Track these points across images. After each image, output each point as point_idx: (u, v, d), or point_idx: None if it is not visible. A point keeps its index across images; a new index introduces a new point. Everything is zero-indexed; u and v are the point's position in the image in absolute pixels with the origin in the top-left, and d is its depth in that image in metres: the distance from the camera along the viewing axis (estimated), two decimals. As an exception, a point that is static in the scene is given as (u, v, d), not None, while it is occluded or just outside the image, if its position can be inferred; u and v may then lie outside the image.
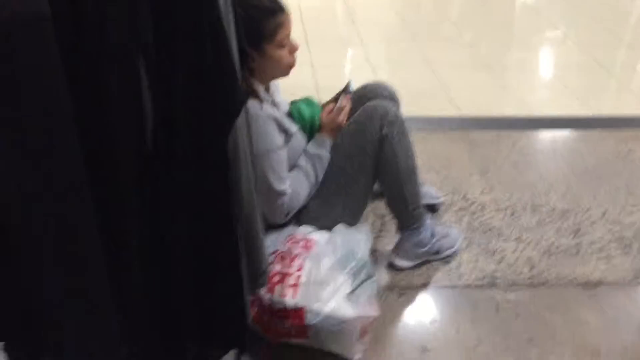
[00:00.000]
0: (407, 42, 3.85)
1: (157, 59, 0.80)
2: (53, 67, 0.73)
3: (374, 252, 1.98)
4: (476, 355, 1.67)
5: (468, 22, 4.35)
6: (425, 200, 2.17)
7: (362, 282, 1.62)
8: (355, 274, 1.61)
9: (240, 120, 1.02)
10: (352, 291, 1.60)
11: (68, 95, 0.74)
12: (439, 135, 2.75)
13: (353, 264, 1.61)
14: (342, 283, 1.58)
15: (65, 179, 0.77)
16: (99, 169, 0.79)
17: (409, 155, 1.79)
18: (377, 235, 2.08)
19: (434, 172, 2.46)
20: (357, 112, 1.80)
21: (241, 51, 1.19)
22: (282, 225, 1.77)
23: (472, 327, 1.74)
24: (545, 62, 3.83)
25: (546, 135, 2.81)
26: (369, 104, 1.79)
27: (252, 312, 1.60)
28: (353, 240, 1.67)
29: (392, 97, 1.97)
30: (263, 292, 1.58)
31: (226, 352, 1.19)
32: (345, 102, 1.82)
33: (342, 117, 1.81)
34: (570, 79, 3.44)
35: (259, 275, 1.18)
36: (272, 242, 1.70)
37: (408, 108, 2.93)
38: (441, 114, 2.95)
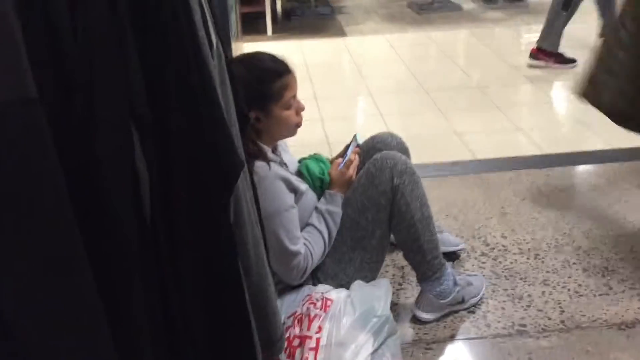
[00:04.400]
0: (416, 92, 3.85)
1: (152, 129, 0.79)
2: (45, 148, 0.72)
3: (395, 306, 1.93)
4: (511, 409, 1.59)
5: (476, 66, 4.36)
6: (445, 248, 2.12)
7: (384, 340, 1.57)
8: (376, 332, 1.55)
9: (242, 185, 1.00)
10: (375, 350, 1.54)
11: (62, 175, 0.73)
12: (454, 181, 2.71)
13: (374, 321, 1.56)
14: (364, 342, 1.53)
15: (64, 265, 0.74)
16: (97, 248, 0.77)
17: (423, 204, 1.75)
18: (398, 288, 2.02)
19: (451, 218, 2.42)
20: (367, 164, 1.78)
21: (241, 114, 1.19)
22: (299, 286, 1.73)
23: (505, 379, 1.67)
24: (557, 99, 3.80)
25: (564, 172, 2.76)
26: (378, 155, 1.77)
27: (273, 379, 1.54)
28: (372, 297, 1.62)
29: (401, 147, 1.95)
30: (283, 357, 1.53)
31: None
32: (353, 156, 1.81)
33: (352, 171, 1.79)
34: (584, 114, 3.39)
35: (274, 342, 1.14)
36: (289, 304, 1.66)
37: (421, 155, 2.92)
38: (455, 159, 2.92)
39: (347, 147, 1.86)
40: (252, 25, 5.28)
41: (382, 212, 1.73)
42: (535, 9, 5.85)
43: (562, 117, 3.51)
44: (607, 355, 1.72)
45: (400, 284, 2.04)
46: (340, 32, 5.30)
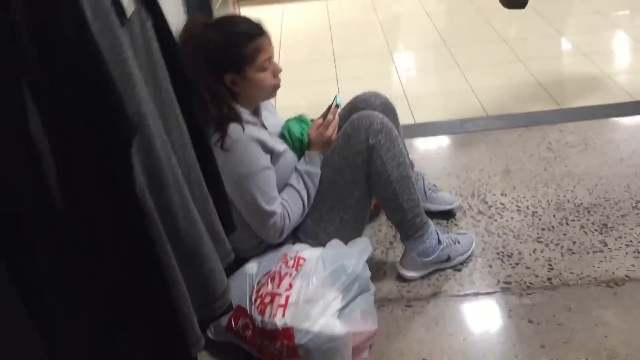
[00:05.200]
0: (438, 48, 3.78)
1: (48, 94, 0.82)
2: None
3: (383, 265, 1.95)
4: (484, 365, 1.59)
5: (507, 20, 4.19)
6: (439, 207, 2.13)
7: (354, 297, 1.59)
8: (346, 290, 1.58)
9: (163, 148, 1.03)
10: (344, 307, 1.57)
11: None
12: (462, 138, 2.67)
13: (343, 278, 1.59)
14: (332, 299, 1.56)
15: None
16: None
17: (400, 163, 1.74)
18: (389, 246, 2.04)
19: (453, 176, 2.39)
20: (344, 125, 1.78)
21: (185, 80, 1.22)
22: (279, 245, 1.77)
23: (481, 337, 1.67)
24: (583, 53, 3.63)
25: (579, 127, 2.66)
26: (355, 115, 1.77)
27: (246, 334, 1.60)
28: (344, 255, 1.64)
29: (385, 107, 1.93)
30: (255, 313, 1.58)
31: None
32: (331, 116, 1.81)
33: (331, 131, 1.79)
34: (606, 67, 3.25)
35: (215, 299, 1.18)
36: (267, 263, 1.71)
37: (433, 113, 2.90)
38: (467, 116, 2.86)
39: (329, 107, 1.87)
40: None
41: (358, 172, 1.74)
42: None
43: (584, 70, 3.36)
44: (590, 312, 1.69)
45: (391, 243, 2.05)
46: (370, -11, 5.20)
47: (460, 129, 2.74)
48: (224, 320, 1.63)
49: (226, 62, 1.66)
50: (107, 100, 0.82)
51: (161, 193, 1.02)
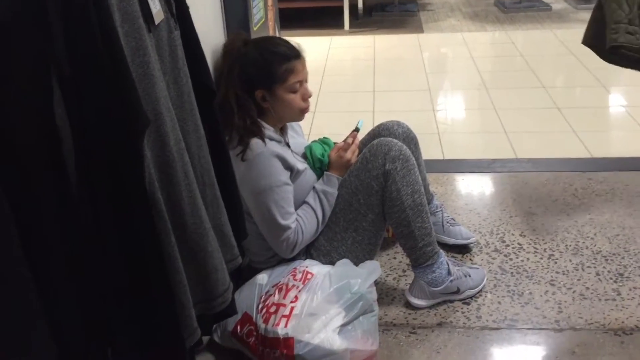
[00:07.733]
0: (477, 89, 3.82)
1: (72, 83, 0.91)
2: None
3: (393, 290, 1.98)
4: (480, 398, 1.60)
5: (547, 66, 4.22)
6: (454, 240, 2.15)
7: (357, 316, 1.63)
8: (349, 307, 1.61)
9: (179, 147, 1.11)
10: (346, 324, 1.60)
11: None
12: (489, 177, 2.69)
13: (348, 296, 1.62)
14: (335, 315, 1.59)
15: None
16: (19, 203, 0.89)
17: (415, 191, 1.78)
18: (402, 274, 2.06)
19: (475, 213, 2.41)
20: (364, 150, 1.84)
21: (206, 87, 1.30)
22: (291, 259, 1.82)
23: (480, 369, 1.67)
24: (623, 104, 3.61)
25: (608, 177, 2.65)
26: (375, 140, 1.82)
27: (250, 341, 1.65)
28: (351, 274, 1.68)
29: (407, 136, 1.98)
30: (260, 321, 1.63)
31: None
32: (350, 140, 1.87)
33: (350, 154, 1.85)
34: (649, 120, 3.24)
35: (214, 297, 1.24)
36: (277, 275, 1.76)
37: (463, 151, 2.93)
38: (496, 157, 2.88)
39: (352, 132, 1.93)
40: (334, 20, 5.40)
41: (373, 196, 1.79)
42: (631, 11, 5.55)
43: (622, 122, 3.34)
44: (594, 358, 1.68)
45: (404, 271, 2.08)
46: (418, 29, 5.30)
47: (488, 169, 2.76)
48: (230, 326, 1.69)
49: (259, 78, 1.75)
50: (124, 93, 0.90)
51: (171, 188, 1.09)
